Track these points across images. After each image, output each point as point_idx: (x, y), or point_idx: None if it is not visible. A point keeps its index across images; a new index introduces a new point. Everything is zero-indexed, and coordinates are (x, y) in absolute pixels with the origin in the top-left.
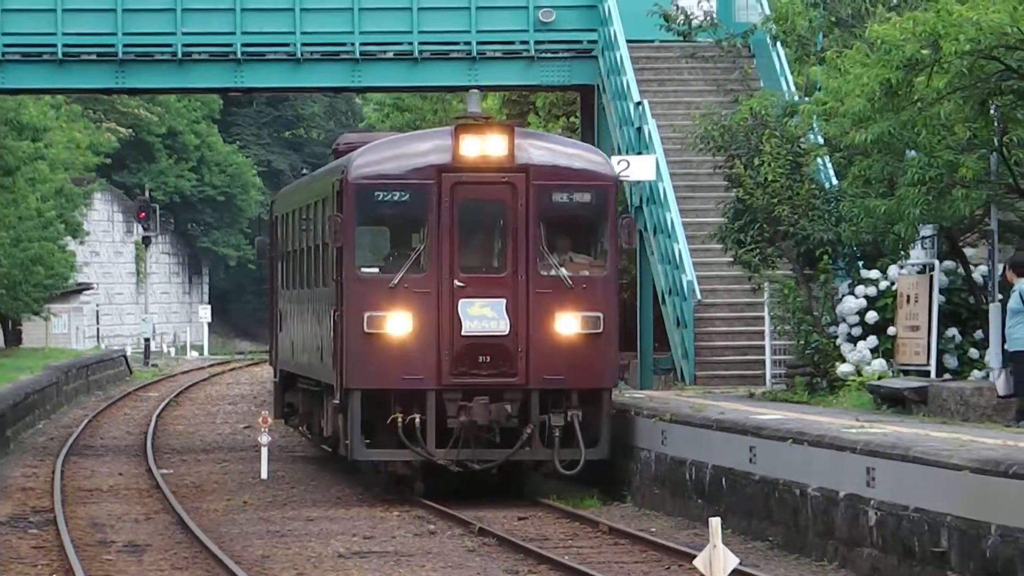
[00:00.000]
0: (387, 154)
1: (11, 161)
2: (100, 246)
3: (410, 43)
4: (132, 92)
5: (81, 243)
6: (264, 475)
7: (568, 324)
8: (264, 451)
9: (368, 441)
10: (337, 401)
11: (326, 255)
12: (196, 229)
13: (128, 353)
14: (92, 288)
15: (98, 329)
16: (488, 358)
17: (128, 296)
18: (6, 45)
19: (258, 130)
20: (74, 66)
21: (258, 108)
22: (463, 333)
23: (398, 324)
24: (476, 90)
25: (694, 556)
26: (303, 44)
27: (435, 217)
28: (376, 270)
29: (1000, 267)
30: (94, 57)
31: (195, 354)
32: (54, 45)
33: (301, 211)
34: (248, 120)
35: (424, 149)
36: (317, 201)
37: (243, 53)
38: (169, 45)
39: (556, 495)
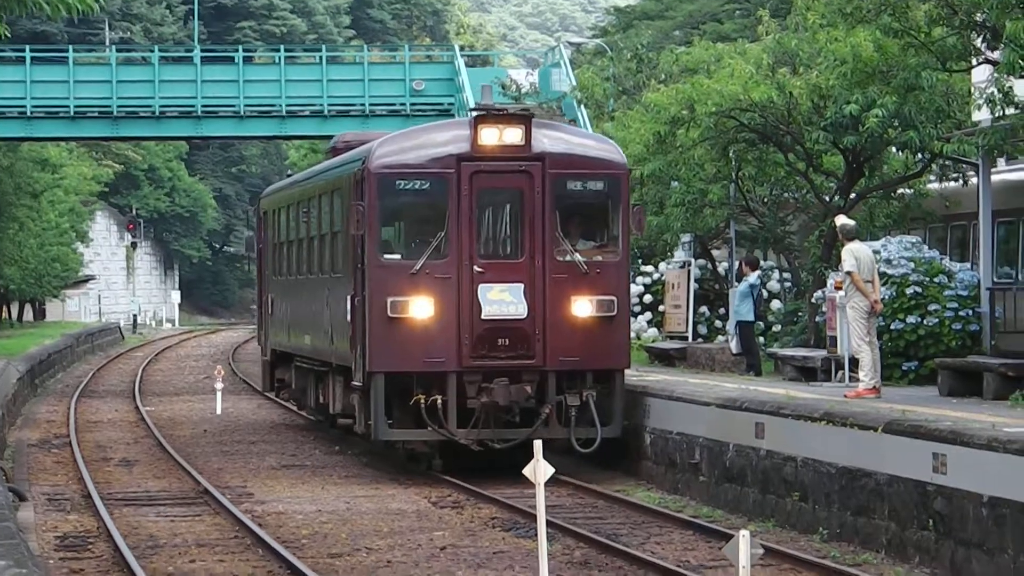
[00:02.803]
0: (407, 144)
1: (37, 188)
2: (101, 248)
3: (321, 104)
4: (123, 139)
5: (87, 246)
6: (219, 411)
7: (583, 307)
8: (218, 394)
9: (390, 421)
10: (358, 383)
11: (335, 243)
12: (169, 237)
13: (121, 325)
14: (95, 279)
15: (99, 308)
16: (507, 341)
17: (121, 284)
18: (34, 107)
19: (213, 166)
20: (82, 121)
21: (213, 151)
22: (483, 317)
23: (420, 308)
24: (489, 84)
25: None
26: (245, 105)
27: (455, 205)
28: (398, 256)
29: (737, 263)
30: (96, 114)
31: (169, 325)
32: (67, 106)
33: (299, 205)
34: (206, 159)
35: (443, 139)
36: (322, 194)
37: (202, 111)
38: (149, 106)
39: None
